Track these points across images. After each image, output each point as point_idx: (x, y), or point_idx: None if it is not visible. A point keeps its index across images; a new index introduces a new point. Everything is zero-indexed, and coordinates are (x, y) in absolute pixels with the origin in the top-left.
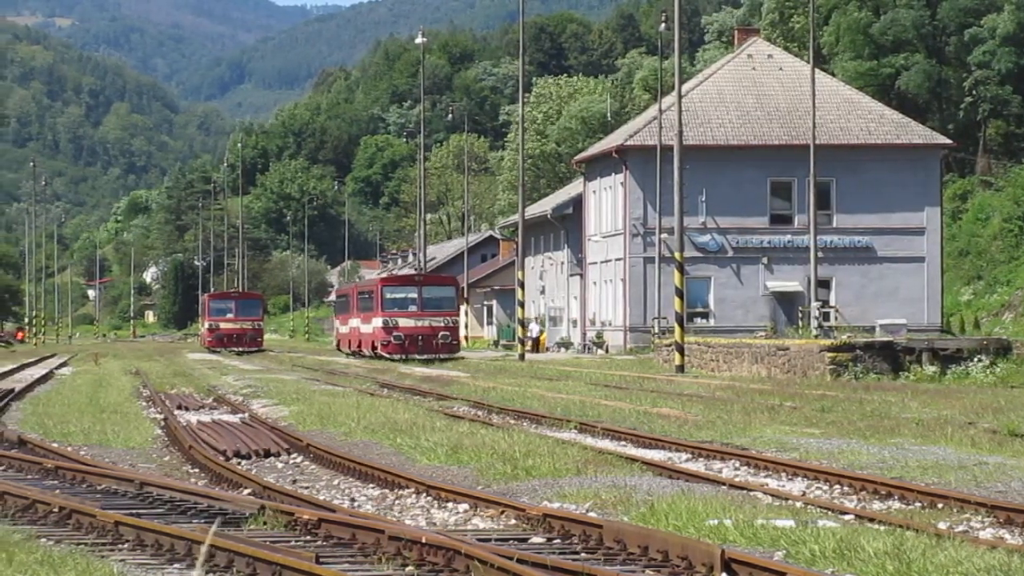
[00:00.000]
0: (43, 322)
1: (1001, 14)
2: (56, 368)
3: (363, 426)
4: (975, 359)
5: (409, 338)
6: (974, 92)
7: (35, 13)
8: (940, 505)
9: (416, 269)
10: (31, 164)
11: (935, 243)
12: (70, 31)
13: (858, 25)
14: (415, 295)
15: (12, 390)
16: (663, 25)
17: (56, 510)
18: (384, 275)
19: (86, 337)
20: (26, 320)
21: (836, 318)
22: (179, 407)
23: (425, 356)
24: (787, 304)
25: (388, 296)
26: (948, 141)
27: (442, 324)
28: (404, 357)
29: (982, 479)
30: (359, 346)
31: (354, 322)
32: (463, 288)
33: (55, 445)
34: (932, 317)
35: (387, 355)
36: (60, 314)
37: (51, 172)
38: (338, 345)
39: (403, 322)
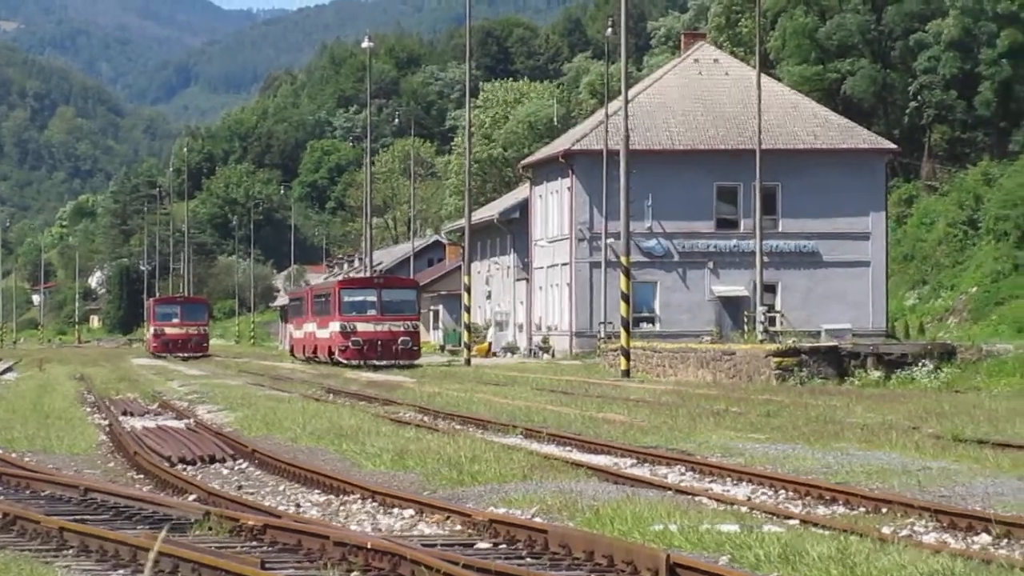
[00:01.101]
0: None
1: (946, 19)
2: (0, 373)
3: (308, 432)
4: (920, 364)
5: (368, 343)
6: (919, 97)
7: None
8: (884, 510)
9: (373, 273)
10: None
11: (880, 248)
12: (15, 34)
13: (804, 30)
14: (374, 298)
15: None
16: (610, 30)
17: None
18: (342, 277)
19: (30, 342)
20: None
21: (781, 323)
22: (124, 413)
23: (385, 363)
24: (733, 308)
25: (346, 299)
26: (893, 146)
27: (402, 329)
28: (362, 363)
29: (926, 484)
30: (315, 352)
31: (309, 326)
32: None
33: (0, 450)
34: (877, 322)
35: (345, 361)
36: (4, 319)
37: None
38: (291, 351)
39: (362, 327)
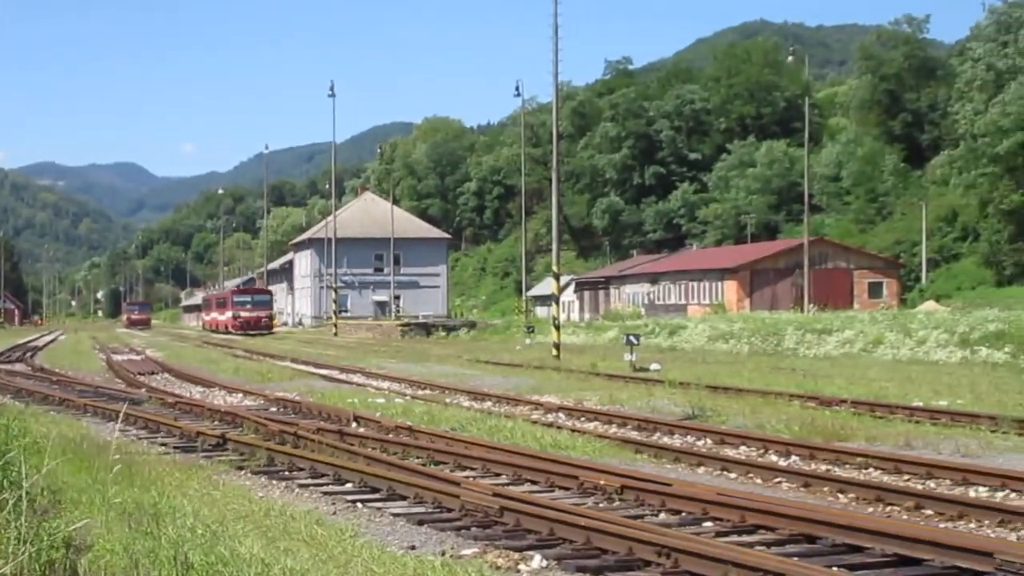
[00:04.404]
0: (52, 314)
1: (471, 183)
2: (58, 336)
3: (196, 360)
4: (461, 329)
5: (246, 322)
6: (459, 215)
7: (48, 178)
8: (447, 391)
9: (242, 287)
10: (45, 247)
11: (444, 279)
12: (64, 186)
13: (412, 186)
14: (249, 299)
15: (36, 345)
16: (327, 185)
17: (57, 399)
18: (234, 288)
19: (71, 322)
20: (44, 313)
21: (403, 312)
22: (113, 352)
23: (254, 332)
24: (382, 306)
25: (236, 299)
26: (450, 236)
27: (263, 314)
28: (243, 333)
29: (464, 380)
30: (216, 327)
31: (215, 314)
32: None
33: (57, 370)
34: (444, 311)
35: (234, 331)
36: (60, 311)
37: (57, 250)
38: (203, 327)
39: (244, 313)
